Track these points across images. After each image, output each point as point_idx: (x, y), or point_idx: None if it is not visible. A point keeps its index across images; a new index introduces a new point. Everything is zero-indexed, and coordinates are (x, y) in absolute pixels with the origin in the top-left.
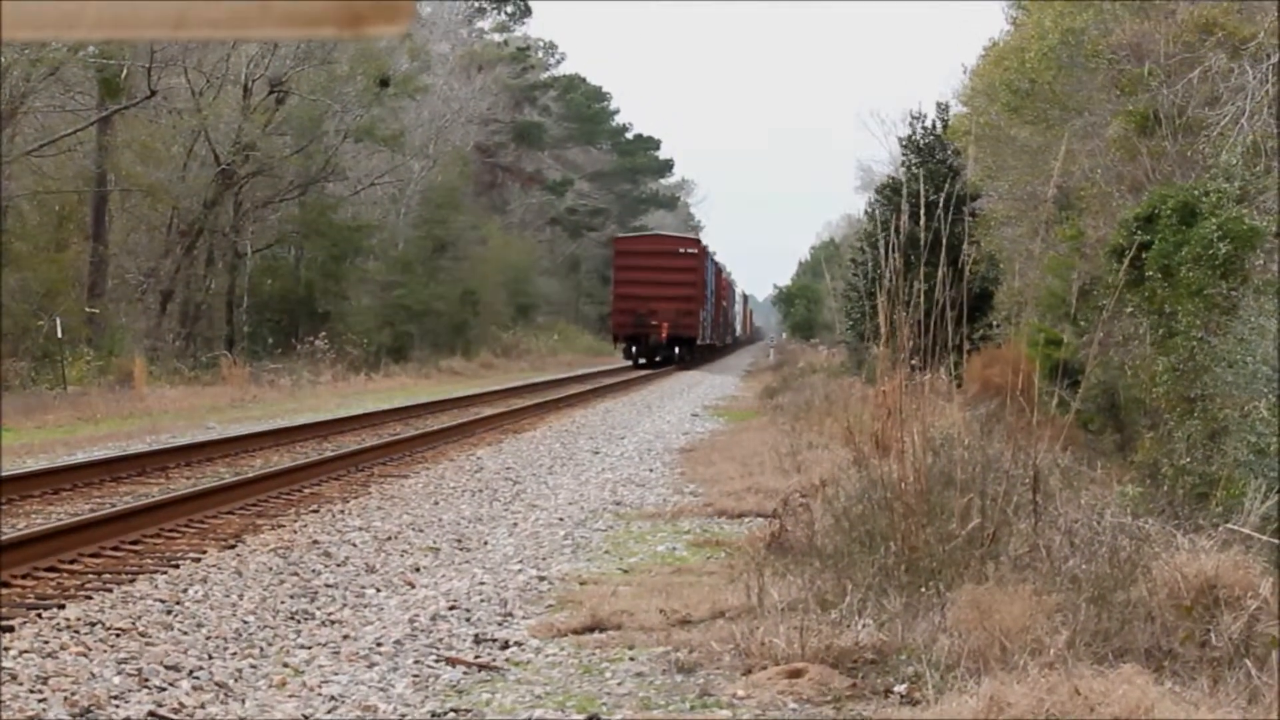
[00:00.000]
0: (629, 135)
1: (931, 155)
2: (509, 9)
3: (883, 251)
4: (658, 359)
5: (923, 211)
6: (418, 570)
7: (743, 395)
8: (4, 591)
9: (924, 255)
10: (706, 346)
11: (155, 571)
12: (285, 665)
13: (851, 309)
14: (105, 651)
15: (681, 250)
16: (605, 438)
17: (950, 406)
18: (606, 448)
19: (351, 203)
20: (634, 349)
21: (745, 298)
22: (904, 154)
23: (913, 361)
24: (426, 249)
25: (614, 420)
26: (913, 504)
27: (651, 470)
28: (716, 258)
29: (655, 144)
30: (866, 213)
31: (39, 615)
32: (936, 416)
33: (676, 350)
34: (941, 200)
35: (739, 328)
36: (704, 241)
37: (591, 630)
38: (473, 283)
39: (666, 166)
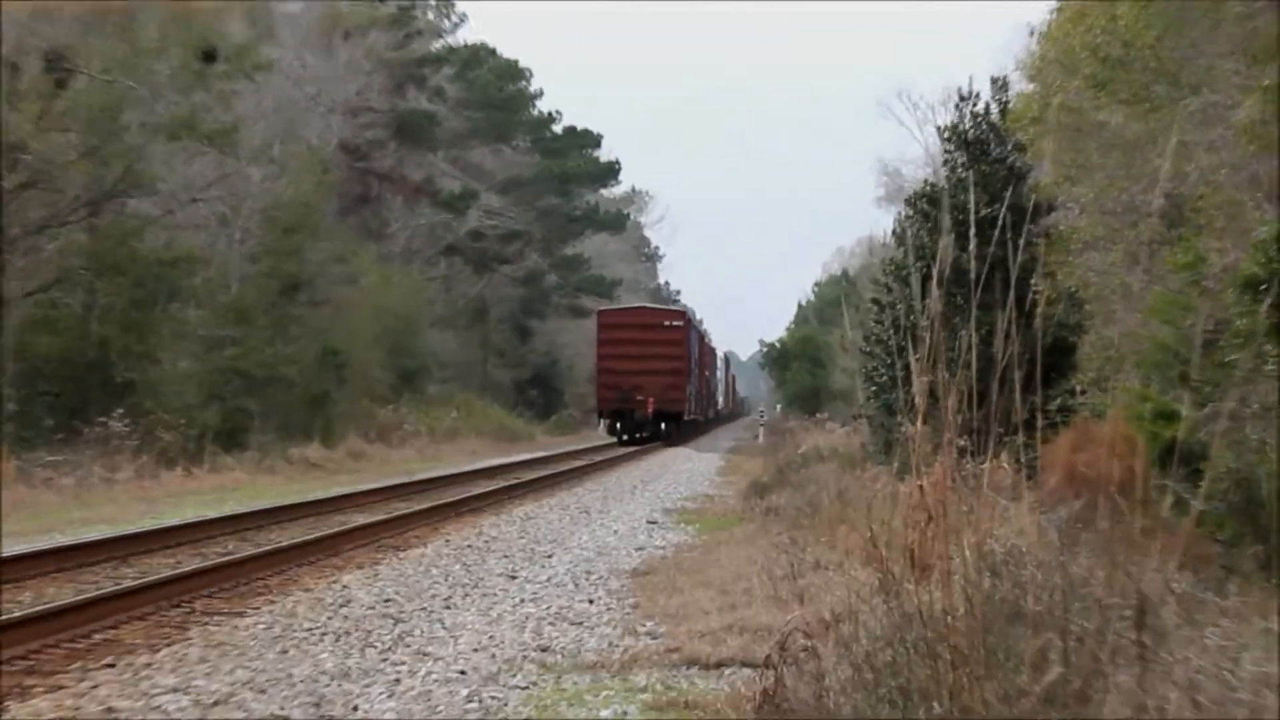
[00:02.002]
0: (557, 128)
1: (985, 152)
2: None
3: (918, 288)
4: (643, 434)
5: (974, 230)
6: None
7: (720, 492)
8: None
9: (976, 293)
10: (691, 422)
11: None
12: None
13: (875, 370)
14: None
15: (667, 323)
16: (526, 556)
17: (1018, 508)
18: (527, 570)
19: (164, 226)
20: (619, 424)
21: (727, 361)
22: (946, 151)
23: (963, 443)
24: (271, 291)
25: (538, 531)
26: (964, 648)
27: (592, 601)
28: (697, 320)
29: (594, 140)
30: (894, 233)
31: None
32: (998, 522)
33: (663, 426)
34: (1001, 214)
35: (721, 400)
36: (687, 308)
37: None
38: (337, 339)
39: (610, 172)
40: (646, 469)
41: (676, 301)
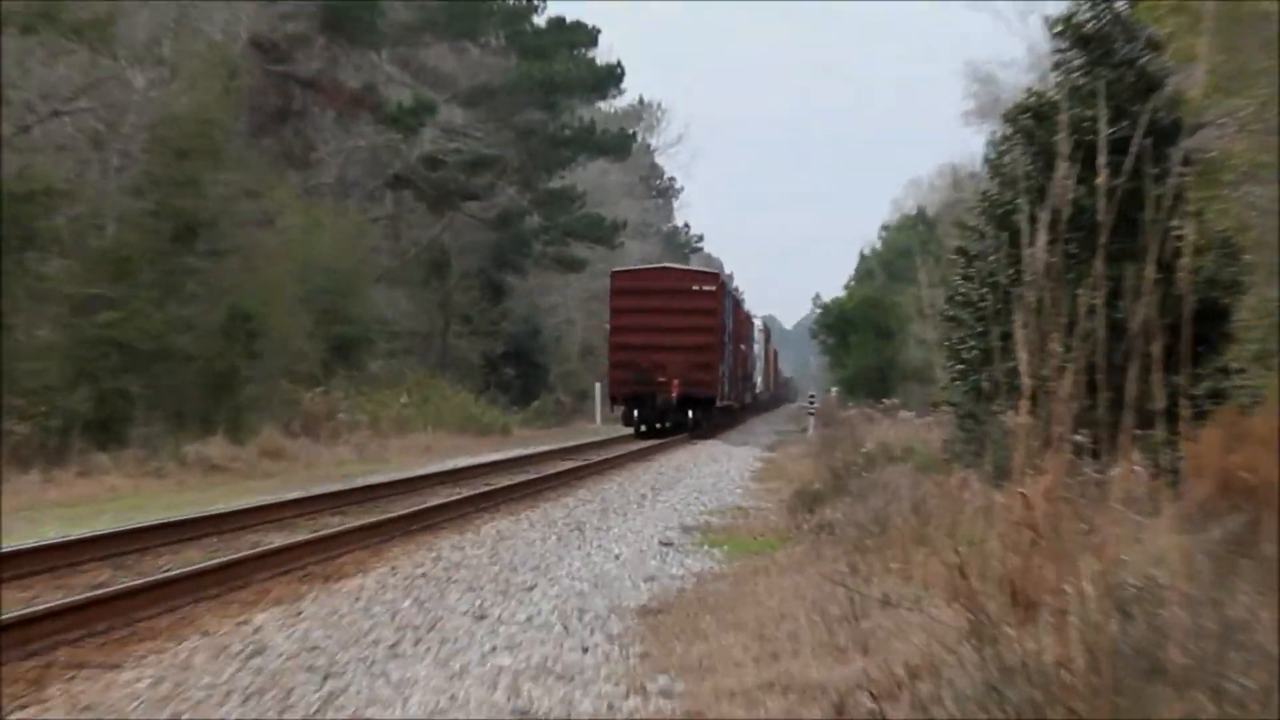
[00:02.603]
0: (539, 19)
1: (1110, 52)
2: None
3: (1024, 232)
4: (666, 424)
5: (1097, 156)
6: None
7: (757, 503)
8: None
9: (1101, 239)
10: (724, 409)
11: None
12: None
13: (961, 342)
14: None
15: (696, 287)
16: (499, 589)
17: (1154, 525)
18: (501, 608)
19: (17, 148)
20: (636, 413)
21: (767, 332)
22: (1058, 50)
23: (1081, 439)
24: (160, 236)
25: (515, 555)
26: (1085, 713)
27: (586, 650)
28: (731, 283)
29: (588, 36)
30: (988, 160)
31: None
32: (1128, 545)
33: (690, 414)
34: (1133, 135)
35: (760, 382)
36: (718, 265)
37: None
38: (248, 299)
39: (609, 79)
40: (659, 471)
41: (697, 250)
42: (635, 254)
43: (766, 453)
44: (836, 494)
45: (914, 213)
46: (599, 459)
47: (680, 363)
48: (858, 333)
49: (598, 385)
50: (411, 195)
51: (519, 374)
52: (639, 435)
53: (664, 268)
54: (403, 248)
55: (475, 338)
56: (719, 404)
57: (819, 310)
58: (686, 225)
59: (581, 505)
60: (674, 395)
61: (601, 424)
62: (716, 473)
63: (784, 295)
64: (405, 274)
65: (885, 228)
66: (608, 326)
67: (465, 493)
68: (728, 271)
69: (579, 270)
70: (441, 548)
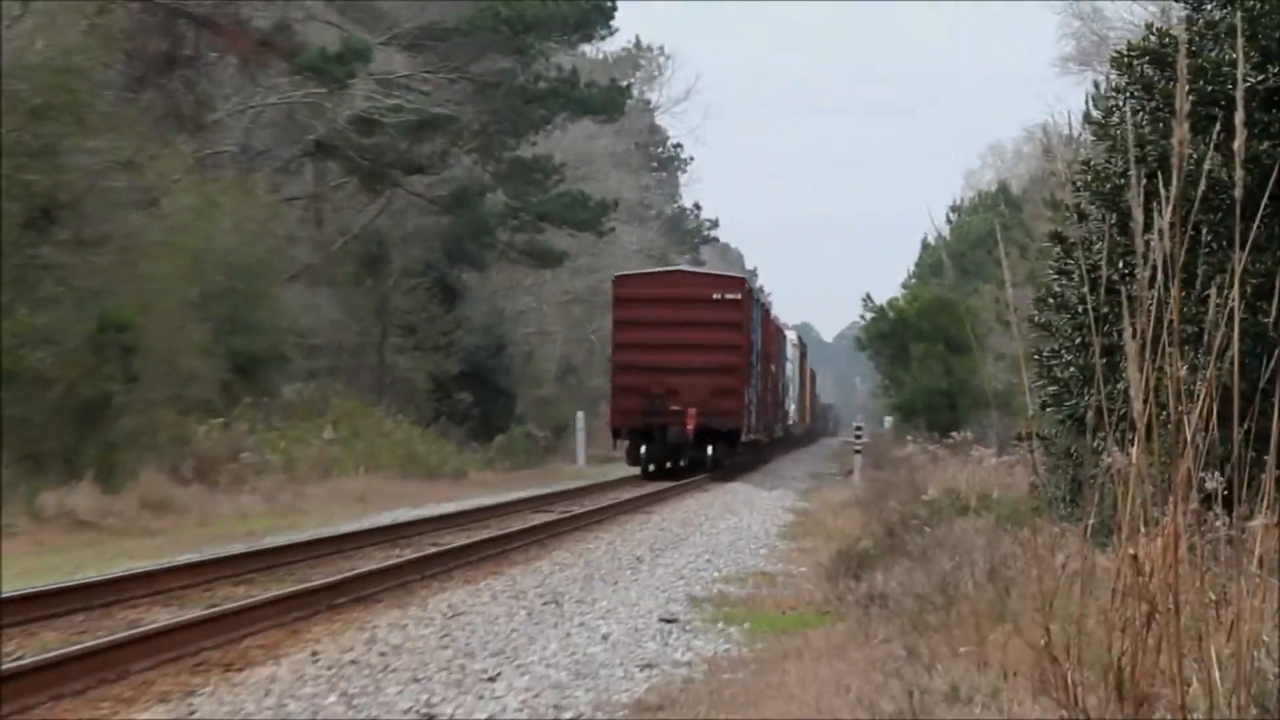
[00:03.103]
0: None
1: None
2: None
3: (1137, 214)
4: (681, 463)
5: (1241, 111)
6: None
7: (786, 567)
8: None
9: (1242, 223)
10: (750, 444)
11: None
12: None
13: (1055, 356)
14: None
15: (717, 295)
16: (452, 680)
17: None
18: (454, 705)
19: None
20: (643, 449)
21: (802, 347)
22: None
23: (1211, 484)
24: (8, 221)
25: (472, 636)
26: None
27: None
28: (760, 290)
29: None
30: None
31: None
32: (1269, 622)
33: (710, 450)
34: None
35: (794, 411)
36: (743, 265)
37: None
38: (123, 303)
39: (596, 15)
40: (661, 526)
41: (709, 240)
42: (630, 243)
43: (799, 501)
44: (890, 555)
45: (994, 189)
46: (582, 511)
47: (698, 388)
48: (920, 345)
49: (580, 415)
50: (338, 168)
51: (478, 401)
52: (645, 477)
53: (678, 271)
54: (327, 236)
55: (422, 353)
56: (744, 439)
57: (868, 316)
58: (696, 207)
59: (559, 570)
60: (690, 428)
61: (586, 465)
62: (735, 527)
63: (822, 298)
64: (330, 270)
65: (955, 209)
66: (609, 344)
67: (408, 555)
68: (749, 267)
69: (556, 265)
70: (377, 626)
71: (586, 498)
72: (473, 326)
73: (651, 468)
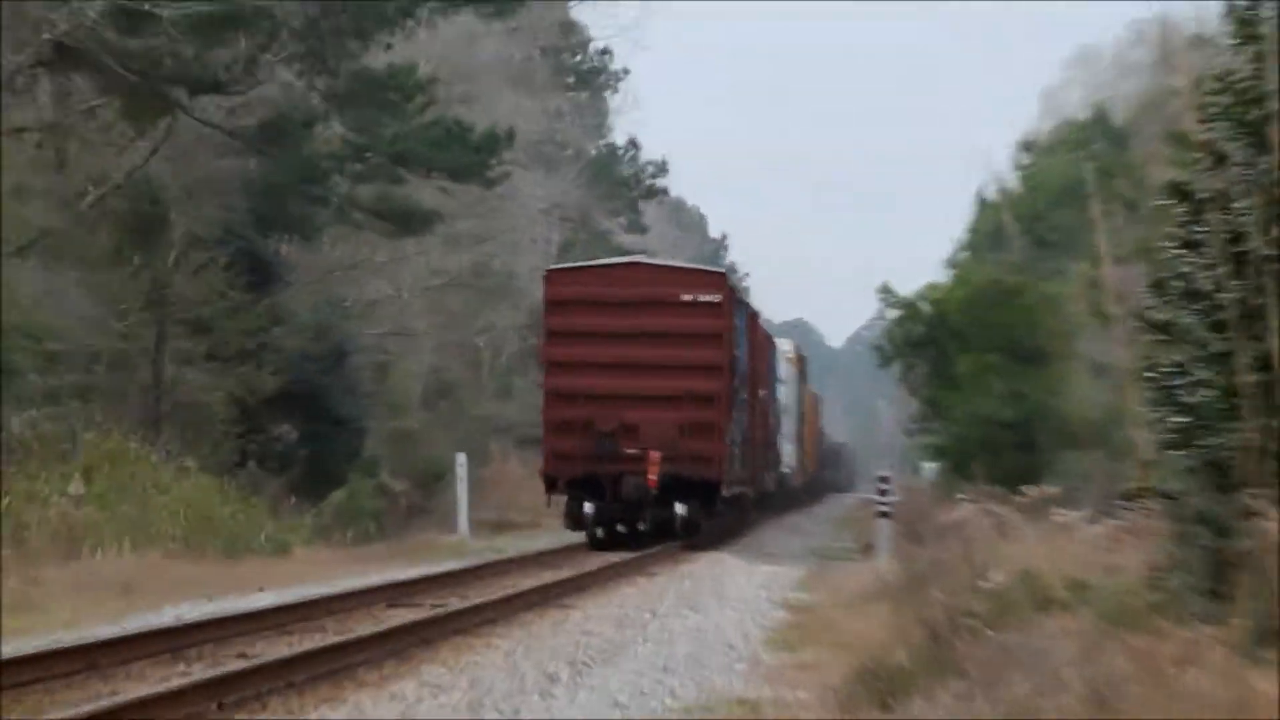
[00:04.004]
0: None
1: None
2: None
3: None
4: (638, 524)
5: None
6: None
7: (778, 691)
8: None
9: None
10: (732, 500)
11: None
12: None
13: (1181, 371)
14: None
15: (689, 296)
16: None
17: None
18: None
19: None
20: (588, 508)
21: (801, 363)
22: None
23: None
24: None
25: None
26: None
27: None
28: (741, 285)
29: None
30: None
31: None
32: None
33: (677, 509)
34: None
35: (790, 453)
36: (735, 277)
37: None
38: None
39: None
40: (586, 627)
41: (654, 192)
42: (533, 198)
43: (796, 591)
44: (935, 674)
45: (1085, 117)
46: (466, 605)
47: (663, 424)
48: (969, 355)
49: (461, 459)
50: (89, 84)
51: (306, 437)
52: (593, 547)
53: (635, 264)
54: (74, 188)
55: (219, 365)
56: (724, 492)
57: (892, 311)
58: (633, 145)
59: (431, 697)
60: (652, 478)
61: (471, 535)
62: (699, 630)
63: (825, 283)
64: (79, 240)
65: (1027, 147)
66: (536, 358)
67: (197, 674)
68: (714, 234)
69: (423, 231)
70: None
71: (472, 584)
72: (297, 324)
73: (600, 534)
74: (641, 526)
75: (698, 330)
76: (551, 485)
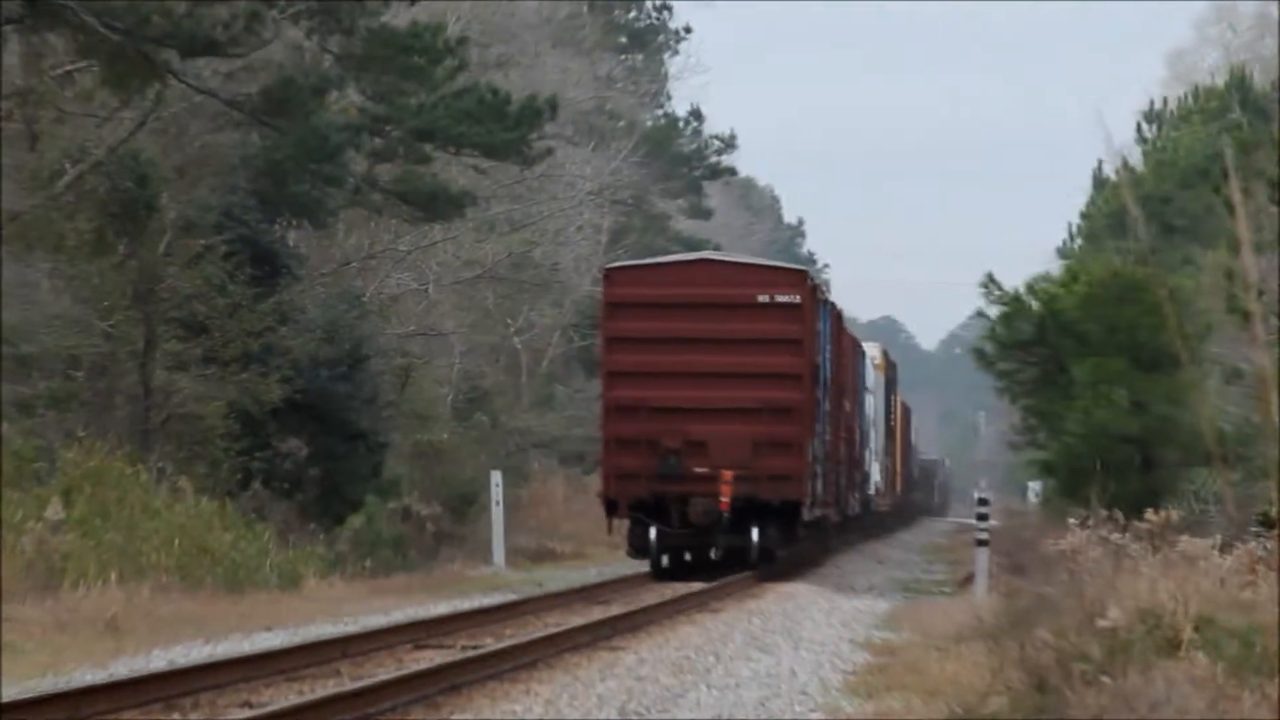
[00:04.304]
0: None
1: None
2: None
3: None
4: (711, 554)
5: None
6: None
7: None
8: None
9: None
10: (814, 523)
11: None
12: None
13: None
14: None
15: (766, 297)
16: None
17: None
18: None
19: None
20: (653, 533)
21: (890, 369)
22: None
23: None
24: None
25: None
26: None
27: None
28: (825, 286)
29: None
30: None
31: None
32: None
33: (754, 534)
34: None
35: (876, 471)
36: (815, 272)
37: None
38: None
39: None
40: (640, 673)
41: (720, 170)
42: (581, 178)
43: (880, 630)
44: None
45: (1221, 82)
46: (501, 647)
47: (736, 440)
48: (1087, 361)
49: (497, 477)
50: (66, 44)
51: (318, 454)
52: (657, 576)
53: (703, 260)
54: (50, 164)
55: (218, 371)
56: (806, 516)
57: (995, 308)
58: (695, 116)
59: None
60: (724, 499)
61: (507, 566)
62: (769, 675)
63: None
64: (55, 226)
65: (1153, 118)
66: (596, 364)
67: None
68: (789, 220)
69: (454, 216)
70: None
71: (509, 622)
72: (307, 324)
73: (665, 562)
74: (713, 555)
75: (775, 335)
76: (612, 509)
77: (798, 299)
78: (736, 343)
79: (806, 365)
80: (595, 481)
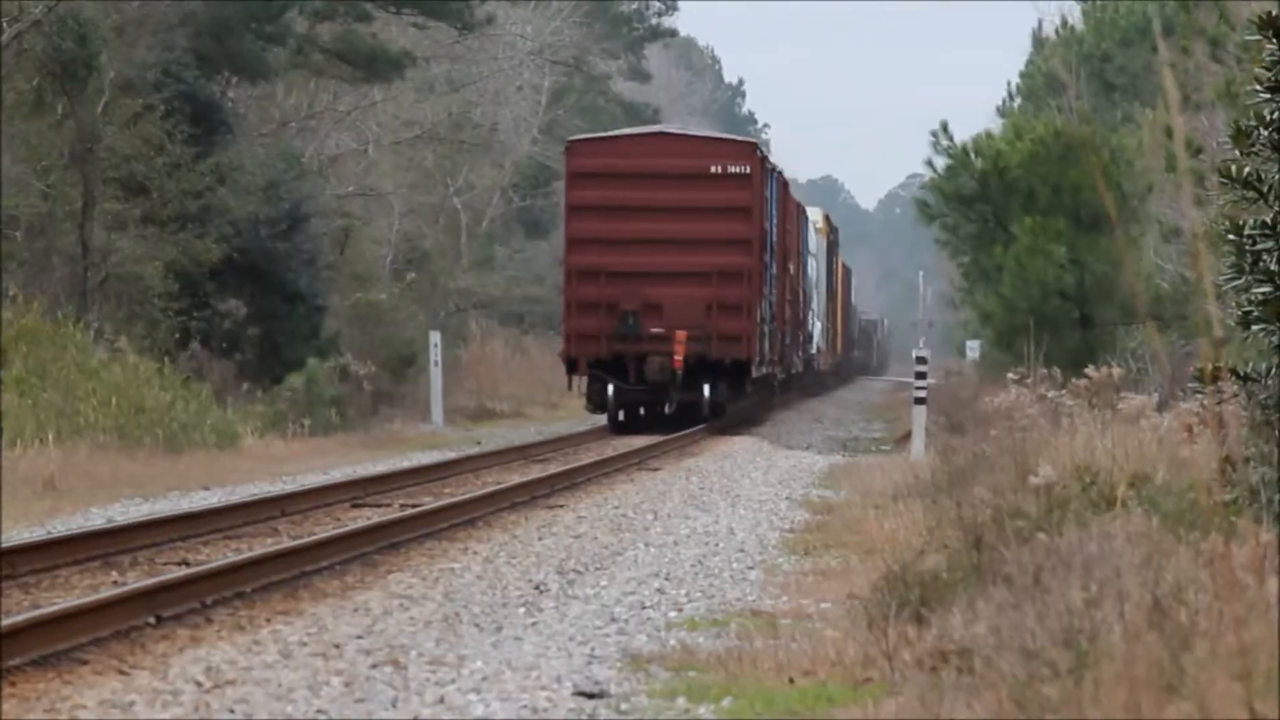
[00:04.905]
0: None
1: None
2: None
3: None
4: (666, 408)
5: None
6: None
7: (796, 598)
8: None
9: None
10: (761, 380)
11: None
12: None
13: (1267, 234)
14: None
15: (716, 167)
16: None
17: None
18: None
19: None
20: (610, 389)
21: (830, 234)
22: None
23: None
24: None
25: None
26: None
27: None
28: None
29: None
30: None
31: None
32: None
33: (706, 390)
34: None
35: (818, 332)
36: (760, 141)
37: None
38: None
39: None
40: (578, 530)
41: (660, 32)
42: (521, 38)
43: (818, 487)
44: (977, 582)
45: None
46: (440, 505)
47: (690, 302)
48: (1030, 217)
49: (435, 337)
50: None
51: (258, 314)
52: (615, 430)
53: (661, 134)
54: None
55: (156, 230)
56: (755, 373)
57: (941, 166)
58: None
59: (401, 609)
60: (678, 358)
61: (445, 424)
62: (707, 531)
63: (855, 136)
64: None
65: None
66: (560, 233)
67: (132, 583)
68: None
69: (393, 76)
70: (83, 709)
71: (448, 481)
72: (247, 184)
73: (622, 416)
74: (667, 409)
75: (726, 204)
76: (573, 367)
77: (747, 169)
78: (690, 211)
79: (755, 232)
80: (533, 341)
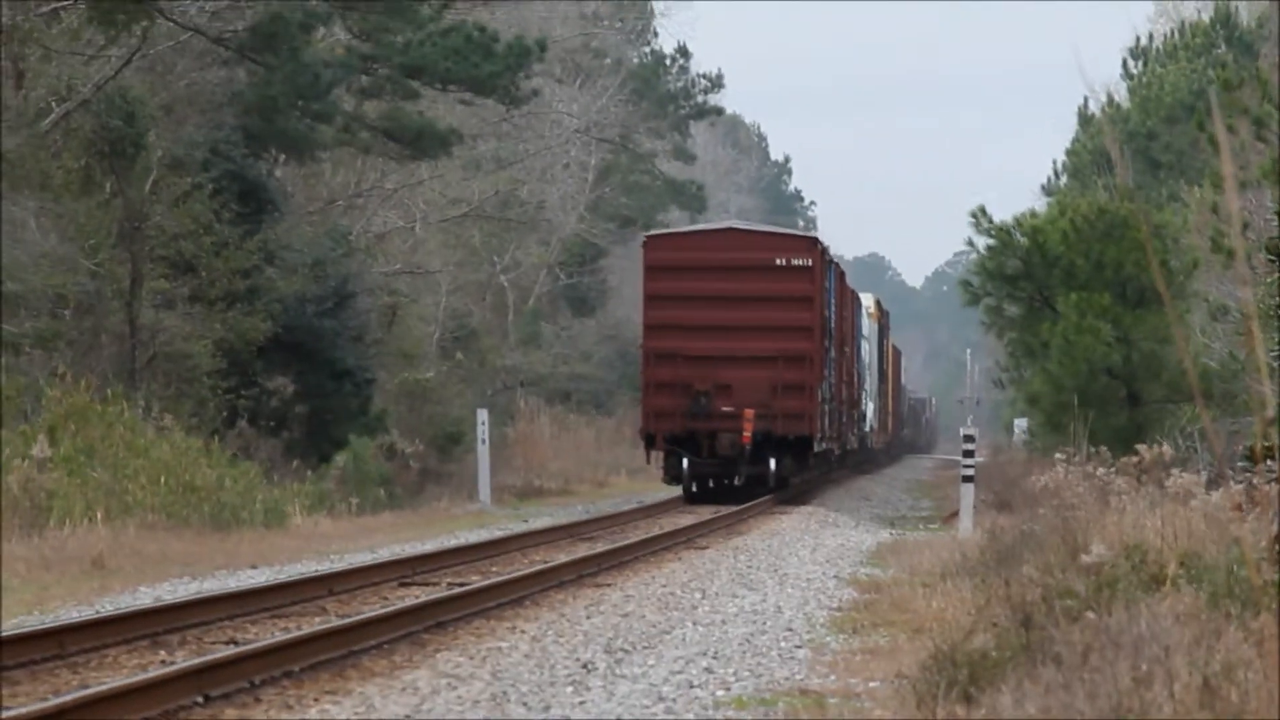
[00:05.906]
0: None
1: None
2: None
3: None
4: (735, 480)
5: None
6: None
7: (841, 678)
8: None
9: None
10: (822, 455)
11: None
12: None
13: None
14: None
15: (782, 260)
16: None
17: None
18: None
19: None
20: (684, 462)
21: (882, 318)
22: None
23: None
24: None
25: None
26: None
27: None
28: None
29: None
30: None
31: None
32: None
33: (772, 464)
34: None
35: (871, 411)
36: (820, 236)
37: None
38: None
39: None
40: (625, 609)
41: (707, 110)
42: (567, 116)
43: (866, 566)
44: (1025, 662)
45: (1206, 18)
46: (487, 584)
47: (756, 383)
48: (1073, 294)
49: (483, 415)
50: None
51: (305, 392)
52: (688, 500)
53: (729, 230)
54: (35, 103)
55: (204, 309)
56: (816, 448)
57: (982, 240)
58: (682, 54)
59: (448, 688)
60: (747, 434)
61: (492, 503)
62: (754, 611)
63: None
64: (41, 165)
65: (1138, 54)
66: (644, 325)
67: (180, 662)
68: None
69: (440, 154)
70: None
71: (495, 559)
72: (294, 262)
73: (695, 487)
74: (736, 481)
75: (790, 293)
76: (650, 442)
77: (809, 262)
78: (757, 300)
79: (816, 319)
80: (580, 419)
